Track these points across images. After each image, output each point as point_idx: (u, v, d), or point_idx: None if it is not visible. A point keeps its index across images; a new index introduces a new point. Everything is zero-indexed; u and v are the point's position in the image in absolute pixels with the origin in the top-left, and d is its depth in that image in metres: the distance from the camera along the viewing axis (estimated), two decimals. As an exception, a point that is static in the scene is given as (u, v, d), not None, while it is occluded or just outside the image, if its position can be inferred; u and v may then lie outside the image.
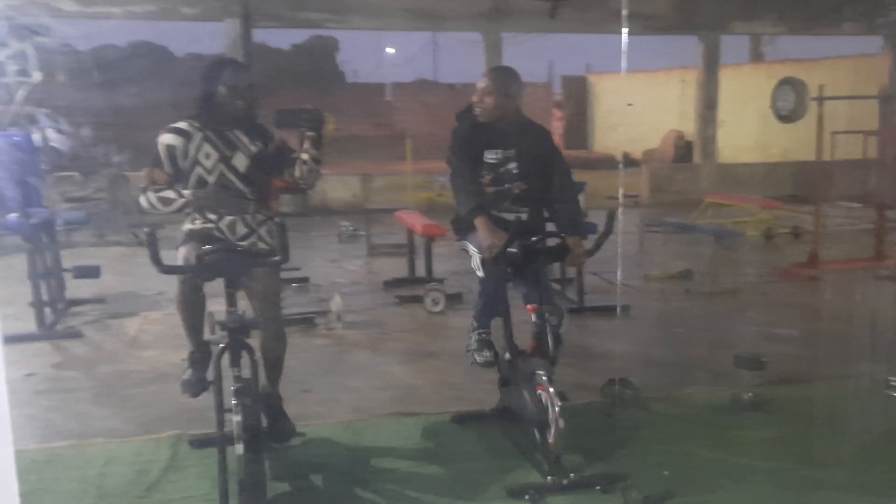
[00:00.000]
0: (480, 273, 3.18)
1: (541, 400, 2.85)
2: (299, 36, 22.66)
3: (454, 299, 5.51)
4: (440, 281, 5.70)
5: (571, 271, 5.51)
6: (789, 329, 5.02)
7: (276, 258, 2.78)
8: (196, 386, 3.04)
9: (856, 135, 7.08)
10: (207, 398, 2.92)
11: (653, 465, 2.98)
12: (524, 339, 3.17)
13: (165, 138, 2.92)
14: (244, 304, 2.89)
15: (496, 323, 3.26)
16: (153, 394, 3.83)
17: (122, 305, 5.57)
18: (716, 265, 6.19)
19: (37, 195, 5.38)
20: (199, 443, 3.09)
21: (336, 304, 5.07)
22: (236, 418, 2.53)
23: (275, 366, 3.08)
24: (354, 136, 18.11)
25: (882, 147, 6.91)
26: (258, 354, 2.87)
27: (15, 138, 5.29)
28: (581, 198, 4.42)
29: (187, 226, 3.00)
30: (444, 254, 6.17)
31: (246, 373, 2.69)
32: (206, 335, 3.01)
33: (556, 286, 5.34)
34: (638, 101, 18.37)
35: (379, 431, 3.32)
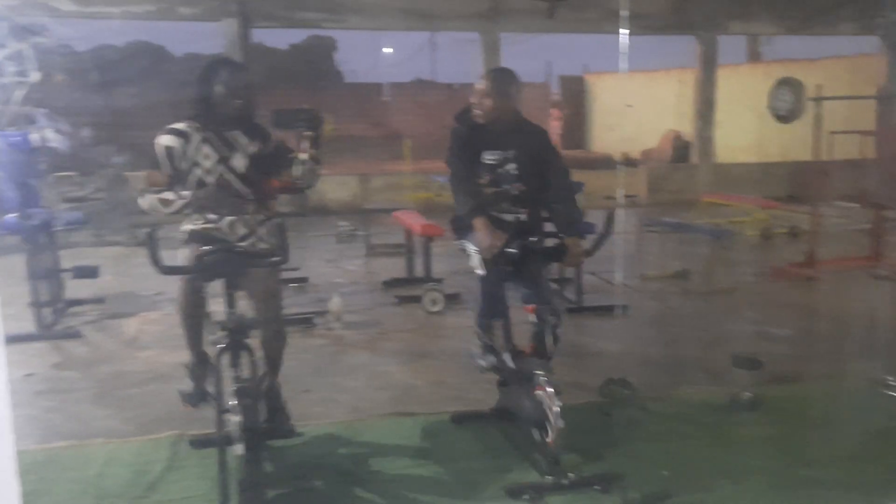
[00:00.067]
0: (480, 271, 3.18)
1: (539, 400, 2.86)
2: (297, 36, 22.66)
3: (453, 299, 5.51)
4: (439, 281, 5.70)
5: (570, 271, 5.52)
6: (787, 329, 5.04)
7: (276, 258, 2.79)
8: (196, 397, 3.05)
9: (853, 135, 7.10)
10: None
11: (651, 464, 2.99)
12: (523, 340, 3.18)
13: (164, 140, 2.92)
14: (244, 305, 2.90)
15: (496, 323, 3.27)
16: (152, 394, 3.83)
17: (121, 306, 5.56)
18: (713, 265, 6.21)
19: (35, 195, 5.38)
20: (199, 443, 3.09)
21: (335, 304, 5.07)
22: (236, 418, 2.54)
23: (274, 361, 3.10)
24: (352, 136, 18.11)
25: (879, 147, 6.93)
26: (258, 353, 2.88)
27: (13, 139, 5.28)
28: (579, 198, 4.43)
29: (188, 226, 3.01)
30: (442, 254, 6.18)
31: (245, 373, 2.70)
32: (206, 346, 3.00)
33: (555, 286, 5.35)
34: (636, 101, 18.38)
35: (378, 431, 3.33)
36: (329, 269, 6.94)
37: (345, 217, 8.87)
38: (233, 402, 2.58)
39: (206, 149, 2.95)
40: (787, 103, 6.37)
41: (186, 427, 3.25)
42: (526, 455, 3.02)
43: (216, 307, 2.98)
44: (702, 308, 5.62)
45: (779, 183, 10.98)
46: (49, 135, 5.43)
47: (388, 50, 26.40)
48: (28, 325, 4.77)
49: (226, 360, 2.68)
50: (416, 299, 5.48)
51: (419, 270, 6.03)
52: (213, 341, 2.77)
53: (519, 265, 3.08)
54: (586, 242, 3.25)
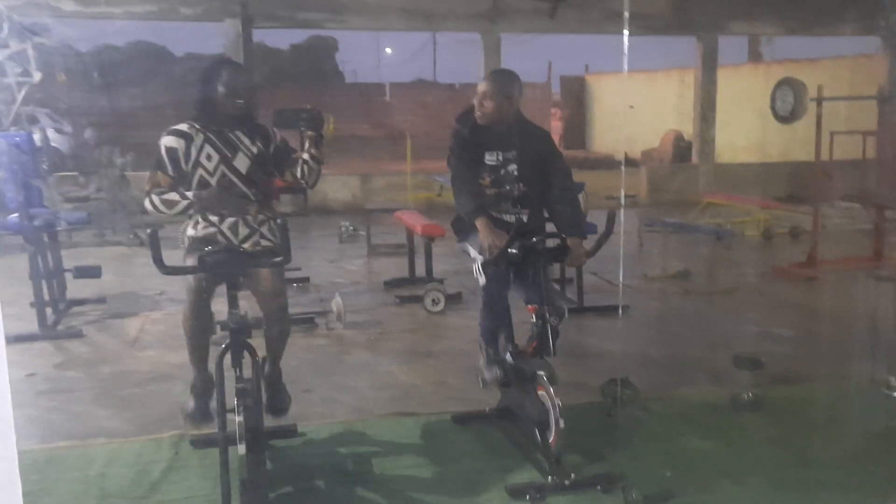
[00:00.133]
0: (482, 280, 3.16)
1: (541, 400, 2.86)
2: (298, 36, 22.69)
3: (454, 299, 5.52)
4: (440, 281, 5.71)
5: (571, 271, 5.52)
6: (788, 329, 5.04)
7: (279, 258, 2.80)
8: (199, 417, 3.05)
9: (854, 135, 7.10)
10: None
11: (653, 464, 2.99)
12: (523, 338, 3.18)
13: (167, 141, 2.93)
14: (245, 305, 2.90)
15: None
16: (154, 394, 3.84)
17: (123, 305, 5.57)
18: (714, 265, 6.21)
19: (38, 195, 5.39)
20: (201, 443, 3.10)
21: (336, 304, 5.08)
22: (238, 418, 2.54)
23: (278, 349, 3.11)
24: (354, 137, 18.13)
25: (881, 147, 6.93)
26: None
27: (16, 139, 5.30)
28: (580, 198, 4.43)
29: (189, 231, 3.00)
30: (443, 254, 6.18)
31: (247, 373, 2.70)
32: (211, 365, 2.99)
33: (556, 286, 5.35)
34: (636, 102, 18.39)
35: (379, 431, 3.33)
36: (330, 268, 6.94)
37: (346, 217, 8.88)
38: (235, 401, 2.58)
39: (209, 149, 2.95)
40: (789, 103, 6.36)
41: (188, 427, 3.25)
42: (527, 455, 3.02)
43: (216, 307, 2.99)
44: (703, 308, 5.62)
45: (780, 183, 10.98)
46: (51, 135, 5.44)
47: (389, 50, 26.42)
48: (30, 325, 4.78)
49: (227, 359, 2.69)
50: (418, 299, 5.48)
51: (420, 270, 6.03)
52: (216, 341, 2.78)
53: (521, 265, 3.08)
54: (588, 243, 3.25)
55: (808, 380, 4.02)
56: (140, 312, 5.41)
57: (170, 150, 2.92)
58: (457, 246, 3.46)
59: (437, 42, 26.28)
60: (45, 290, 4.98)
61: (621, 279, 6.11)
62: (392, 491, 2.84)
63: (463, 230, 3.29)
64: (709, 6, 11.20)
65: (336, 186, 10.48)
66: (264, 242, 3.02)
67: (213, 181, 2.95)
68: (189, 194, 2.88)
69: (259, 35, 12.26)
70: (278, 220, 2.98)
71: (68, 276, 5.34)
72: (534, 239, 3.09)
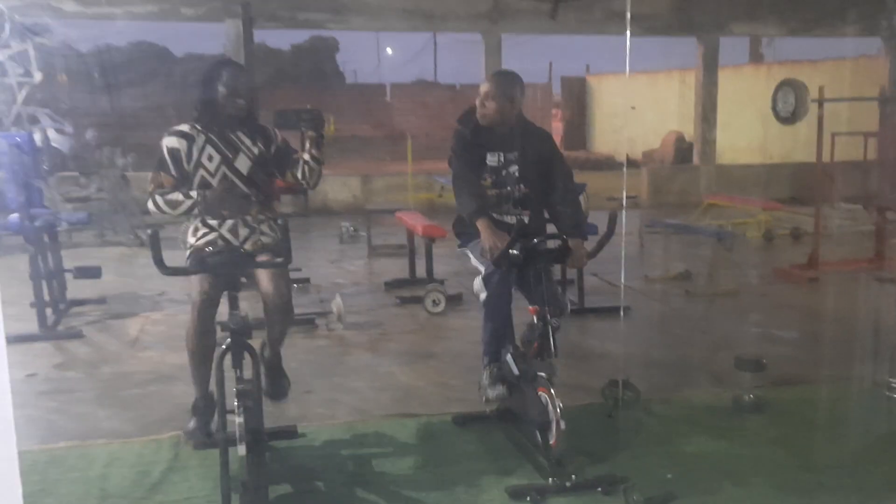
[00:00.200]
0: (483, 294, 3.14)
1: (542, 401, 2.85)
2: (299, 36, 22.69)
3: (455, 300, 5.51)
4: (441, 282, 5.70)
5: (572, 273, 5.51)
6: (790, 330, 5.03)
7: (280, 259, 2.79)
8: (201, 436, 3.03)
9: (856, 136, 7.09)
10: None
11: (654, 466, 2.99)
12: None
13: (169, 141, 2.93)
14: (245, 306, 2.90)
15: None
16: (154, 394, 3.83)
17: (124, 306, 5.57)
18: (716, 266, 6.20)
19: (38, 196, 5.39)
20: (201, 444, 3.09)
21: (337, 305, 5.07)
22: (238, 419, 2.53)
23: (279, 333, 3.09)
24: (355, 137, 18.14)
25: (882, 148, 6.92)
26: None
27: (17, 139, 5.30)
28: (581, 199, 4.43)
29: (190, 239, 2.99)
30: (444, 255, 6.17)
31: (247, 374, 2.70)
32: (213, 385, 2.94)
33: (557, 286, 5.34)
34: (637, 103, 18.39)
35: (380, 432, 3.33)
36: (331, 269, 6.94)
37: (347, 217, 8.88)
38: (235, 403, 2.57)
39: (210, 150, 2.95)
40: (790, 104, 6.35)
41: (186, 420, 3.24)
42: (528, 457, 3.02)
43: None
44: (704, 310, 5.62)
45: (781, 184, 10.97)
46: (52, 135, 5.44)
47: (390, 50, 26.43)
48: (30, 326, 4.78)
49: (228, 360, 2.68)
50: (418, 300, 5.48)
51: (421, 271, 6.03)
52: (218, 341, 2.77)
53: (522, 267, 3.08)
54: (589, 244, 3.24)
55: (810, 381, 4.02)
56: (140, 313, 5.41)
57: (172, 151, 2.92)
58: (458, 249, 3.45)
59: (437, 42, 26.28)
60: (46, 291, 4.98)
61: (622, 280, 6.11)
62: (392, 492, 2.83)
63: (464, 233, 3.28)
64: (710, 7, 11.20)
65: (337, 187, 10.48)
66: (264, 239, 3.02)
67: (214, 182, 2.95)
68: (193, 194, 2.88)
69: (260, 35, 12.25)
70: (279, 221, 2.97)
71: (69, 276, 5.34)
72: (535, 240, 3.08)
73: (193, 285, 2.89)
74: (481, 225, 3.06)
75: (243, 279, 2.98)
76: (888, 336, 4.56)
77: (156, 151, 2.96)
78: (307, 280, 6.19)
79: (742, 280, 6.39)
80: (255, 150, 3.02)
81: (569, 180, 3.30)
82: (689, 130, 13.59)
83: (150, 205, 2.91)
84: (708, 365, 4.28)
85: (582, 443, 3.06)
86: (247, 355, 2.69)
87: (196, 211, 2.92)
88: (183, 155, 2.92)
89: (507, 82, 3.23)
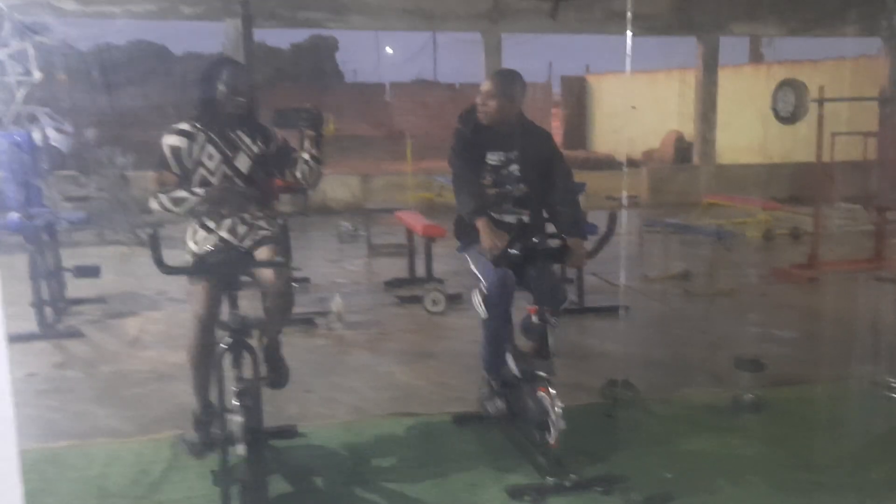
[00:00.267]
0: (483, 312, 3.14)
1: (541, 401, 2.86)
2: (299, 35, 22.69)
3: (454, 299, 5.51)
4: (440, 281, 5.70)
5: (572, 272, 5.51)
6: (789, 330, 5.03)
7: (280, 259, 2.80)
8: (201, 448, 3.02)
9: (856, 136, 7.09)
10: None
11: (653, 466, 2.99)
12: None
13: (170, 140, 2.92)
14: (245, 306, 2.89)
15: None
16: (154, 394, 3.83)
17: (123, 305, 5.57)
18: (715, 266, 6.20)
19: (38, 195, 5.38)
20: (201, 454, 3.08)
21: (337, 304, 5.08)
22: (238, 419, 2.54)
23: (280, 321, 3.09)
24: (354, 136, 18.13)
25: (882, 148, 6.93)
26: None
27: (16, 138, 5.29)
28: (581, 199, 4.43)
29: (191, 245, 2.99)
30: (444, 254, 6.17)
31: (247, 374, 2.70)
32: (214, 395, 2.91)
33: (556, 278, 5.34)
34: (637, 102, 18.38)
35: (379, 432, 3.33)
36: (331, 268, 6.94)
37: (346, 217, 8.88)
38: (235, 402, 2.57)
39: (211, 149, 2.95)
40: (790, 104, 6.35)
41: (188, 427, 3.24)
42: (528, 456, 3.02)
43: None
44: (704, 309, 5.62)
45: (781, 184, 10.97)
46: (51, 134, 5.44)
47: (389, 50, 26.41)
48: (30, 325, 4.78)
49: (228, 360, 2.68)
50: (418, 299, 5.48)
51: (421, 270, 6.03)
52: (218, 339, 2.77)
53: (521, 266, 3.08)
54: (588, 243, 3.24)
55: (809, 381, 4.02)
56: (140, 312, 5.41)
57: (173, 149, 2.91)
58: (457, 251, 3.42)
59: (437, 42, 26.28)
60: (45, 290, 4.98)
61: (622, 280, 6.11)
62: (392, 491, 2.83)
63: (465, 235, 3.25)
64: (710, 7, 11.20)
65: (336, 186, 10.48)
66: (262, 232, 3.02)
67: (214, 181, 2.94)
68: (198, 191, 2.88)
69: (259, 34, 12.26)
70: (279, 220, 2.97)
71: (68, 275, 5.34)
72: (534, 240, 3.08)
73: (194, 297, 2.88)
74: (480, 225, 3.06)
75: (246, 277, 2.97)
76: (887, 336, 4.56)
77: (155, 150, 2.96)
78: (307, 280, 6.19)
79: (741, 280, 6.40)
80: (255, 149, 3.02)
81: (568, 180, 3.30)
82: (689, 130, 13.59)
83: (154, 203, 2.90)
84: (707, 364, 4.29)
85: (581, 442, 3.06)
86: (246, 354, 2.69)
87: (199, 209, 2.91)
88: (184, 153, 2.92)
89: (508, 81, 3.23)
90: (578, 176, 3.81)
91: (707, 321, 5.33)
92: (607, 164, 16.54)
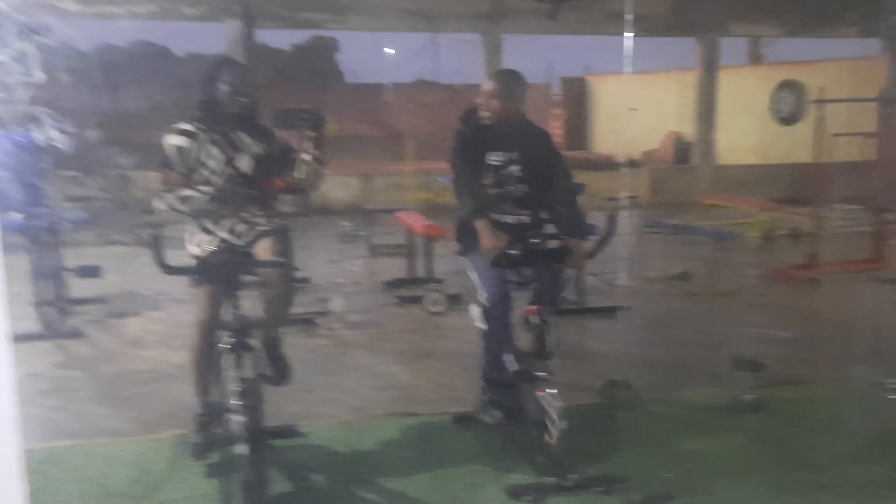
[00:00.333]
0: (482, 326, 3.17)
1: (541, 401, 2.87)
2: (300, 36, 22.69)
3: (454, 300, 5.52)
4: (440, 281, 5.72)
5: (572, 273, 5.52)
6: (788, 331, 5.04)
7: (280, 260, 2.81)
8: (203, 449, 3.02)
9: (855, 137, 7.10)
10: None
11: (653, 466, 3.00)
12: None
13: (173, 140, 2.93)
14: (246, 306, 2.91)
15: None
16: (156, 393, 3.85)
17: (125, 305, 5.58)
18: (714, 267, 6.21)
19: (39, 195, 5.39)
20: (204, 455, 3.09)
21: (337, 304, 5.09)
22: (239, 419, 2.55)
23: (281, 314, 3.09)
24: (354, 137, 18.13)
25: (881, 149, 6.94)
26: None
27: (18, 138, 5.30)
28: (581, 199, 4.44)
29: (192, 249, 3.00)
30: (444, 254, 6.18)
31: (249, 373, 2.71)
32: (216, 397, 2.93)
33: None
34: (637, 103, 18.37)
35: (380, 432, 3.34)
36: (331, 269, 6.95)
37: (347, 217, 8.89)
38: (236, 402, 2.59)
39: (213, 149, 2.96)
40: (789, 105, 6.38)
41: (190, 428, 3.25)
42: (528, 456, 3.03)
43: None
44: (703, 310, 5.63)
45: (780, 185, 10.97)
46: (53, 134, 5.44)
47: (390, 51, 26.38)
48: (32, 325, 4.79)
49: (230, 360, 2.69)
50: (418, 300, 5.49)
51: (421, 271, 6.04)
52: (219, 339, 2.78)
53: (521, 266, 3.09)
54: (588, 244, 3.25)
55: (809, 382, 4.03)
56: (141, 312, 5.42)
57: (177, 149, 2.92)
58: (457, 255, 3.42)
59: (437, 43, 26.27)
60: (47, 290, 4.99)
61: (622, 280, 6.12)
62: (392, 491, 2.85)
63: (466, 239, 3.25)
64: (709, 8, 11.20)
65: (336, 187, 10.48)
66: (261, 228, 3.03)
67: (215, 181, 2.95)
68: (205, 189, 2.89)
69: (260, 35, 12.26)
70: (280, 220, 2.99)
71: (70, 275, 5.35)
72: (534, 240, 3.10)
73: (197, 302, 2.89)
74: (480, 225, 3.07)
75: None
76: (886, 337, 4.57)
77: (158, 150, 2.97)
78: (307, 280, 6.20)
79: (741, 280, 6.41)
80: (257, 150, 3.03)
81: (568, 180, 3.32)
82: (689, 131, 13.60)
83: (160, 203, 2.90)
84: (707, 365, 4.30)
85: (581, 442, 3.07)
86: (248, 354, 2.70)
87: (206, 208, 2.92)
88: (187, 153, 2.93)
89: (510, 81, 3.24)
90: (578, 176, 3.82)
91: (706, 322, 5.34)
92: (607, 164, 16.53)
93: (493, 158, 3.22)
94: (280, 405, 3.39)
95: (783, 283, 6.34)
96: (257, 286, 3.02)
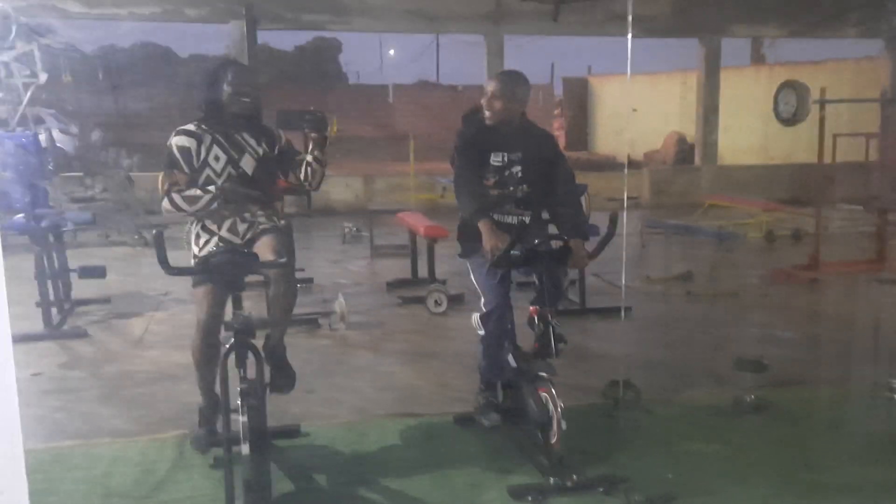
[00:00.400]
0: (481, 331, 3.18)
1: (543, 401, 2.87)
2: (302, 38, 22.72)
3: (456, 300, 5.53)
4: (442, 282, 5.72)
5: (574, 273, 5.52)
6: (790, 331, 5.04)
7: (282, 260, 2.82)
8: (205, 441, 3.04)
9: (857, 137, 7.10)
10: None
11: (655, 467, 3.00)
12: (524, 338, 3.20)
13: (178, 140, 2.94)
14: (248, 306, 2.92)
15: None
16: (159, 394, 3.86)
17: (128, 305, 5.60)
18: (716, 267, 6.22)
19: (43, 196, 5.41)
20: (207, 449, 3.10)
21: (339, 305, 5.10)
22: (242, 419, 2.56)
23: (283, 318, 3.09)
24: (357, 138, 18.14)
25: (883, 150, 6.93)
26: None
27: (22, 139, 5.32)
28: (583, 200, 4.44)
29: (194, 249, 3.01)
30: (446, 255, 6.19)
31: (251, 374, 2.72)
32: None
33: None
34: (639, 104, 18.37)
35: (382, 432, 3.35)
36: (333, 269, 6.96)
37: (349, 218, 8.90)
38: (239, 402, 2.59)
39: (217, 150, 2.97)
40: (791, 106, 6.36)
41: (194, 426, 3.26)
42: (529, 456, 3.03)
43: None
44: (705, 310, 5.63)
45: (782, 185, 10.97)
46: (57, 135, 5.46)
47: (392, 52, 26.41)
48: (35, 325, 4.80)
49: (232, 360, 2.70)
50: (420, 300, 5.50)
51: (423, 271, 6.05)
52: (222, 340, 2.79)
53: (523, 267, 3.10)
54: (590, 244, 3.26)
55: (811, 383, 4.03)
56: (145, 312, 5.44)
57: (182, 149, 2.93)
58: (459, 256, 3.42)
59: (440, 44, 26.28)
60: (51, 290, 5.01)
61: (624, 281, 6.12)
62: (394, 491, 2.85)
63: (467, 241, 3.25)
64: (711, 8, 11.20)
65: (339, 188, 10.50)
66: (262, 226, 3.04)
67: (219, 182, 2.97)
68: (211, 188, 2.90)
69: (263, 37, 12.30)
70: (282, 221, 3.00)
71: (73, 276, 5.37)
72: (536, 241, 3.10)
73: (198, 302, 2.90)
74: (482, 226, 3.07)
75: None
76: (889, 337, 4.57)
77: (162, 152, 2.98)
78: (310, 280, 6.22)
79: (743, 281, 6.40)
80: (260, 151, 3.04)
81: (570, 181, 3.32)
82: (691, 131, 13.60)
83: (167, 204, 2.91)
84: (709, 365, 4.30)
85: (583, 443, 3.08)
86: (251, 355, 2.71)
87: (213, 207, 2.93)
88: (192, 153, 2.94)
89: (514, 82, 3.25)
90: (580, 177, 3.82)
91: (708, 322, 5.34)
92: (609, 165, 16.53)
93: (495, 159, 3.22)
94: (282, 405, 3.40)
95: (785, 283, 6.34)
96: (260, 287, 3.03)
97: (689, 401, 3.77)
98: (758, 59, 17.26)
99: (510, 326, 3.18)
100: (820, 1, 11.06)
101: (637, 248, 7.69)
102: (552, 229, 3.35)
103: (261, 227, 3.04)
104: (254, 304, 3.69)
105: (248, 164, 3.01)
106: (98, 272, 5.24)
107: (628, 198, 10.45)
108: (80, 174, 8.21)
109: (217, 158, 2.96)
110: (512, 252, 2.97)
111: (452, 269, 6.25)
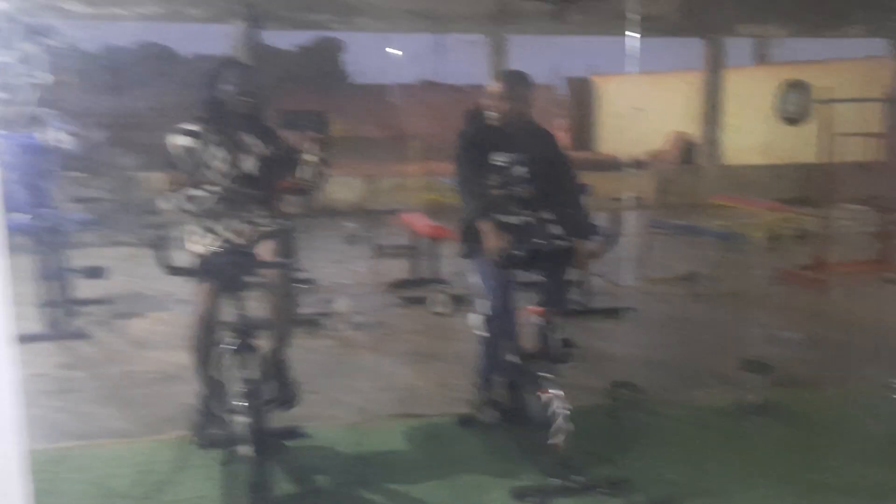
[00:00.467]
0: (480, 332, 3.17)
1: (546, 402, 2.85)
2: (304, 37, 22.73)
3: (459, 301, 5.51)
4: (445, 282, 5.71)
5: (577, 273, 5.50)
6: (795, 332, 5.01)
7: (283, 261, 2.81)
8: (206, 432, 3.03)
9: (861, 137, 7.06)
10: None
11: (658, 468, 2.98)
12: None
13: (179, 140, 2.94)
14: (250, 307, 2.90)
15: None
16: (160, 394, 3.85)
17: (129, 306, 5.59)
18: (721, 267, 6.19)
19: (45, 196, 5.40)
20: (207, 442, 3.10)
21: (341, 305, 5.09)
22: (244, 419, 2.54)
23: (285, 318, 3.08)
24: (359, 138, 18.14)
25: (888, 149, 6.91)
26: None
27: (23, 140, 5.32)
28: (586, 200, 4.42)
29: (195, 249, 3.00)
30: (448, 255, 6.17)
31: (253, 374, 2.70)
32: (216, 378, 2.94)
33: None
34: (643, 103, 18.33)
35: (384, 433, 3.34)
36: (335, 270, 6.95)
37: (351, 218, 8.88)
38: (240, 403, 2.58)
39: (218, 150, 2.96)
40: (795, 105, 6.35)
41: (195, 423, 3.25)
42: (532, 458, 3.01)
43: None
44: (709, 311, 5.60)
45: (786, 185, 10.93)
46: (58, 136, 5.45)
47: (395, 52, 26.40)
48: (37, 325, 4.80)
49: (234, 361, 2.69)
50: (423, 301, 5.48)
51: (425, 272, 6.03)
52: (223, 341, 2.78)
53: (526, 268, 3.08)
54: (593, 245, 3.24)
55: (817, 384, 4.01)
56: (146, 313, 5.43)
57: (183, 149, 2.93)
58: (460, 256, 3.40)
59: (442, 44, 26.29)
60: (52, 290, 5.00)
61: (627, 281, 6.10)
62: (397, 492, 2.84)
63: (469, 241, 3.24)
64: (715, 8, 11.18)
65: (341, 187, 10.49)
66: (263, 229, 3.03)
67: (220, 181, 2.95)
68: (210, 189, 2.89)
69: (265, 36, 12.29)
70: (284, 221, 2.98)
71: (75, 276, 5.36)
72: (539, 241, 3.08)
73: (196, 297, 2.89)
74: (484, 226, 3.06)
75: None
76: (893, 338, 4.54)
77: (163, 151, 2.97)
78: (312, 281, 6.20)
79: (747, 281, 6.38)
80: (261, 150, 3.03)
81: (573, 181, 3.31)
82: (695, 131, 13.57)
83: (167, 203, 2.90)
84: (713, 366, 4.28)
85: (587, 444, 3.06)
86: (252, 356, 2.70)
87: (213, 207, 2.92)
88: (192, 153, 2.93)
89: (517, 82, 3.24)
90: (583, 177, 3.80)
91: (713, 323, 5.31)
92: (612, 165, 16.50)
93: (498, 159, 3.20)
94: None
95: (790, 283, 6.31)
96: (261, 288, 3.02)
97: (693, 402, 3.75)
98: (762, 58, 17.22)
99: (512, 327, 3.16)
100: (824, 0, 11.03)
101: (641, 249, 7.66)
102: (556, 229, 3.33)
103: (262, 228, 3.03)
104: (255, 306, 3.67)
105: (249, 163, 3.00)
106: (97, 273, 5.23)
107: (632, 198, 10.42)
108: (82, 174, 8.21)
109: (218, 158, 2.95)
110: (515, 252, 2.96)
111: (455, 270, 6.23)
